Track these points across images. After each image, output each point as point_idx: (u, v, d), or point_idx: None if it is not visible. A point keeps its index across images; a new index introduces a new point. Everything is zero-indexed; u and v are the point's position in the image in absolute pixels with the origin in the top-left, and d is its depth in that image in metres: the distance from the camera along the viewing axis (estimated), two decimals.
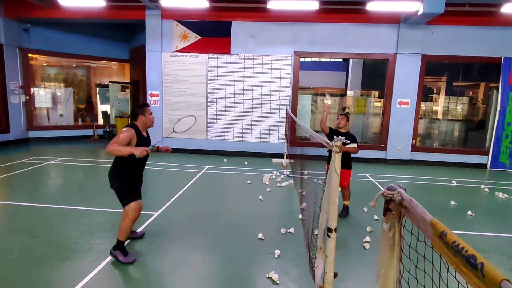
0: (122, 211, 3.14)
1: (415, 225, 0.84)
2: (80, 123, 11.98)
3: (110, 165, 3.23)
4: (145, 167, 3.44)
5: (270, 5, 7.75)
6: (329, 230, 1.74)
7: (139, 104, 3.30)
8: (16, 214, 4.29)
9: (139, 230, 3.85)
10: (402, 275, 0.98)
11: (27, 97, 9.99)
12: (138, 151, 2.87)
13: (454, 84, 10.82)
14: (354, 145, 4.40)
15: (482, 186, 6.59)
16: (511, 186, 6.87)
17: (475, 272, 0.59)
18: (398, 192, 0.90)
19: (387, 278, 0.99)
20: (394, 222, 0.96)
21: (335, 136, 4.38)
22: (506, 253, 3.70)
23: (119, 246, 3.16)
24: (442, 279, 0.85)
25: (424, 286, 0.92)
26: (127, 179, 3.18)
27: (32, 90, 10.34)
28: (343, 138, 4.36)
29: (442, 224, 0.72)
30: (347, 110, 11.32)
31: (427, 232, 0.77)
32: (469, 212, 4.95)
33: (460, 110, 10.35)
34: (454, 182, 6.88)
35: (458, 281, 0.71)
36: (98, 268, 3.01)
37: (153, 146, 3.18)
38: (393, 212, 0.95)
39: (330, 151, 1.88)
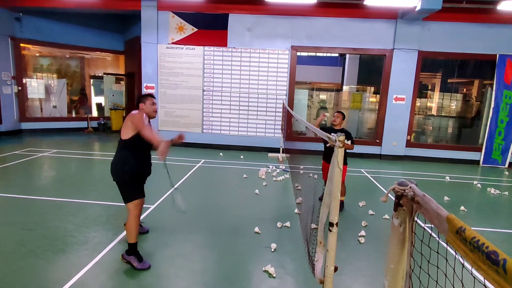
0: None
1: (428, 221, 0.84)
2: (73, 115, 11.84)
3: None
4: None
5: None
6: (331, 224, 1.74)
7: (142, 94, 3.20)
8: (9, 207, 4.23)
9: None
10: (412, 270, 0.99)
11: (20, 88, 9.81)
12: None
13: (449, 80, 10.90)
14: (348, 142, 4.39)
15: (475, 182, 6.68)
16: (502, 182, 6.98)
17: (495, 268, 0.59)
18: (410, 187, 0.90)
19: (396, 273, 0.99)
20: (405, 217, 0.96)
21: (332, 133, 4.37)
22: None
23: (133, 251, 2.92)
24: (456, 275, 0.86)
25: (437, 281, 0.93)
26: (132, 168, 2.98)
27: (24, 80, 10.15)
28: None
29: (459, 219, 0.72)
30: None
31: (441, 228, 0.76)
32: (462, 208, 5.02)
33: (454, 107, 10.44)
34: (447, 177, 6.96)
35: (474, 277, 0.72)
36: (93, 261, 2.99)
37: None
38: (404, 208, 0.95)
39: (327, 146, 1.87)
